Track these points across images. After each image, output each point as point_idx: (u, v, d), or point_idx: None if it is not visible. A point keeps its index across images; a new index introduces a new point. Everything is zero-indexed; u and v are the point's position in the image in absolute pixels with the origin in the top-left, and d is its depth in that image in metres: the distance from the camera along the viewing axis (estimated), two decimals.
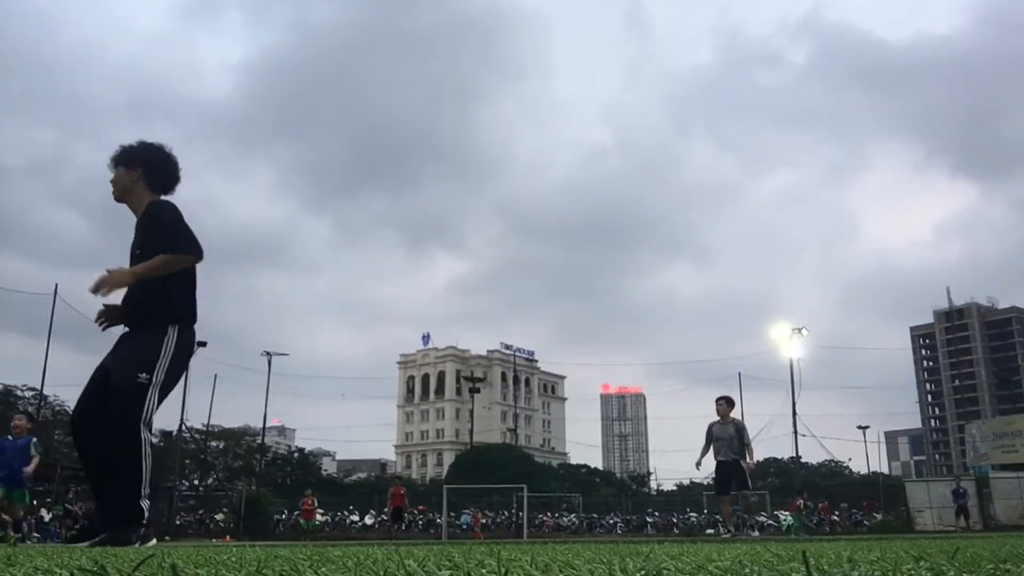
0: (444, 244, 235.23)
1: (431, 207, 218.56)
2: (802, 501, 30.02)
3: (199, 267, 4.32)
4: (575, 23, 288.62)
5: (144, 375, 3.96)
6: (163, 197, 4.44)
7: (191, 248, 4.21)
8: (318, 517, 38.20)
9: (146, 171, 4.42)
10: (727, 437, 11.20)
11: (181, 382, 4.37)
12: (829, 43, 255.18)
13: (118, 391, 3.94)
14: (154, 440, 4.08)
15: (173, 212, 4.30)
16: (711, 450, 11.33)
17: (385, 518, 29.34)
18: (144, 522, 3.88)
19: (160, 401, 4.04)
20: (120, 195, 4.47)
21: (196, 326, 4.33)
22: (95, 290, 4.04)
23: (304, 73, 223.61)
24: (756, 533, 12.68)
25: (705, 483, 57.55)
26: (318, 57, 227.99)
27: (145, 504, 3.89)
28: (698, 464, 11.56)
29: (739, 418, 11.71)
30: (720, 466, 11.27)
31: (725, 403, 11.59)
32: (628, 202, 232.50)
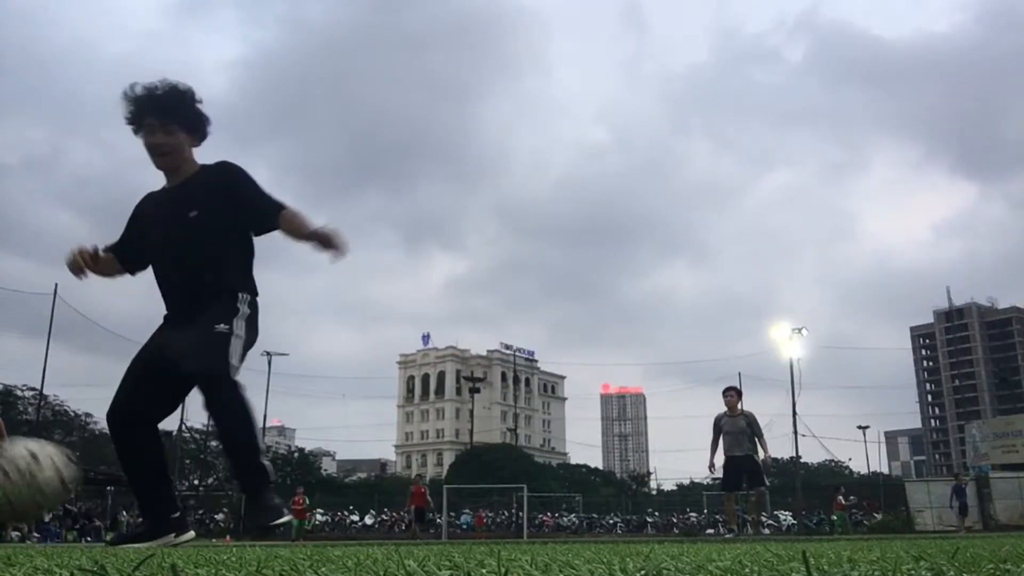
0: (442, 243, 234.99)
1: (428, 206, 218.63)
2: (841, 499, 29.81)
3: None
4: (572, 21, 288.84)
5: (223, 325, 3.49)
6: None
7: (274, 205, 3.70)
8: (318, 517, 38.28)
9: (198, 131, 3.78)
10: (737, 431, 10.37)
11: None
12: (826, 41, 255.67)
13: (195, 347, 3.44)
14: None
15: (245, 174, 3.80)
16: (721, 446, 10.42)
17: (406, 517, 27.97)
18: (271, 482, 3.50)
19: (241, 361, 3.54)
20: (174, 163, 3.76)
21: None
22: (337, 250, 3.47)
23: (299, 70, 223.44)
24: (767, 531, 12.21)
25: (706, 483, 57.58)
26: (313, 54, 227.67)
27: (267, 462, 3.48)
28: (711, 466, 10.59)
29: (749, 410, 10.78)
30: (730, 461, 10.33)
31: (735, 394, 10.80)
32: (626, 201, 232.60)
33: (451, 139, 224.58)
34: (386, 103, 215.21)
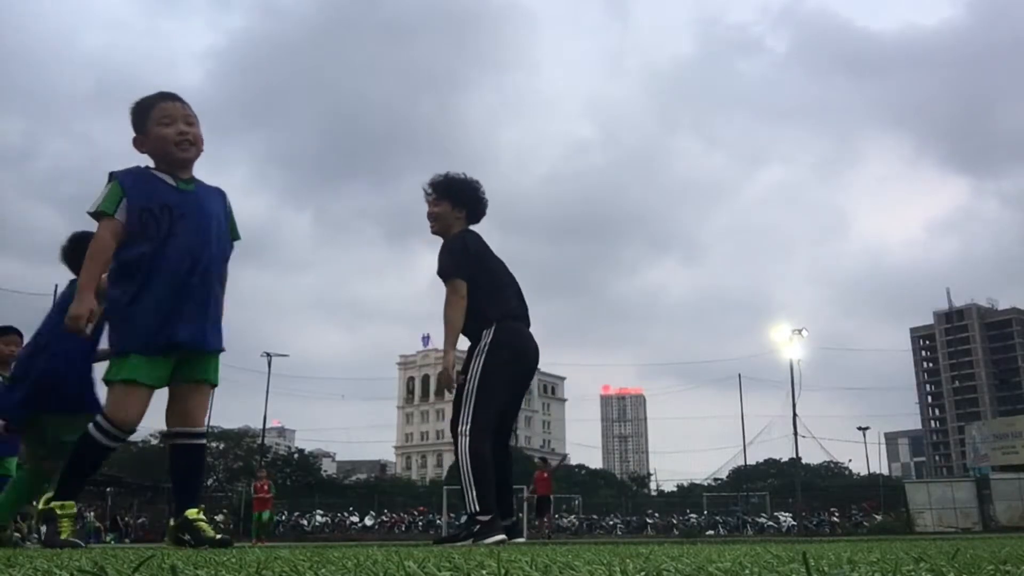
0: (427, 240, 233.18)
1: (412, 201, 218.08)
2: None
3: None
4: (557, 15, 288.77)
5: (463, 376, 4.33)
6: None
7: (442, 272, 4.41)
8: (318, 518, 38.26)
9: (470, 210, 4.59)
10: None
11: None
12: (811, 31, 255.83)
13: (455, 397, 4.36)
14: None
15: (451, 241, 4.50)
16: None
17: (528, 506, 20.88)
18: (478, 519, 4.03)
19: (487, 396, 4.24)
20: (440, 229, 4.60)
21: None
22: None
23: (279, 60, 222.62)
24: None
25: (705, 484, 57.56)
26: (294, 43, 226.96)
27: (470, 498, 4.04)
28: None
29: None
30: None
31: None
32: (614, 197, 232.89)
33: (435, 132, 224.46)
34: (368, 93, 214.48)
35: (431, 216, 4.61)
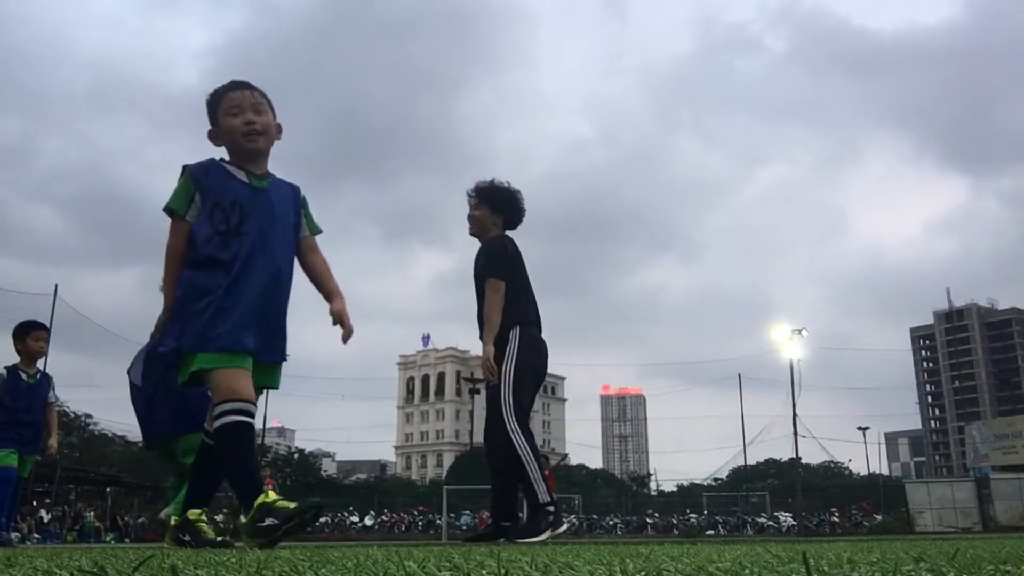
0: (425, 239, 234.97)
1: (410, 200, 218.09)
2: None
3: None
4: (556, 13, 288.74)
5: (495, 380, 4.53)
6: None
7: (484, 273, 4.71)
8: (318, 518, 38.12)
9: (507, 217, 4.89)
10: None
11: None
12: (809, 29, 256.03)
13: (488, 400, 4.58)
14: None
15: (493, 244, 4.81)
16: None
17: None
18: (550, 509, 4.33)
19: (519, 395, 4.51)
20: (478, 232, 4.92)
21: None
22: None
23: (275, 58, 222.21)
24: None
25: (705, 484, 57.52)
26: (291, 41, 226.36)
27: (541, 491, 4.35)
28: None
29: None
30: None
31: None
32: (613, 196, 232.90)
33: (433, 131, 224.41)
34: (366, 92, 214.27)
35: (471, 218, 4.90)
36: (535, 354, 4.66)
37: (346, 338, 3.37)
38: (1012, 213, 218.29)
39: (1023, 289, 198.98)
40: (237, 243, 3.11)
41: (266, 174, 3.33)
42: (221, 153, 3.33)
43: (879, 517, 35.90)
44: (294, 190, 3.44)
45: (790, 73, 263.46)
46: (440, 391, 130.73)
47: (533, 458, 4.40)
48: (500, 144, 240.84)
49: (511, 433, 4.42)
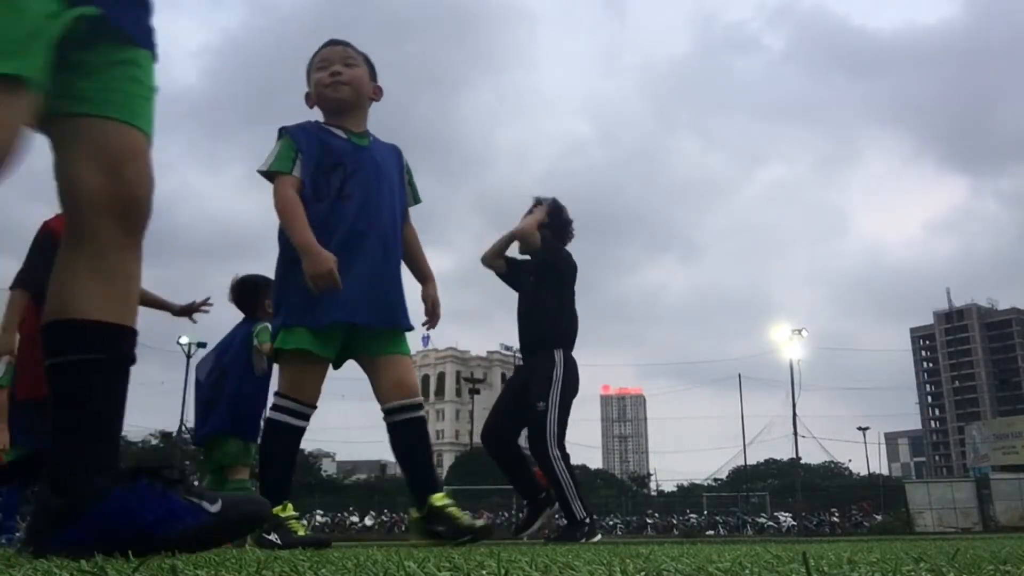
0: (424, 239, 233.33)
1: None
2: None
3: None
4: (556, 13, 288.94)
5: (542, 404, 4.61)
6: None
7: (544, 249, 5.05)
8: (317, 518, 38.24)
9: (555, 231, 5.16)
10: None
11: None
12: (807, 29, 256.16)
13: (531, 421, 4.67)
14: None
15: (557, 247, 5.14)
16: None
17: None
18: (586, 523, 4.68)
19: (563, 418, 4.68)
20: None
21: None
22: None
23: (272, 57, 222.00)
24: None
25: (705, 484, 57.52)
26: (286, 40, 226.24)
27: (576, 507, 4.69)
28: None
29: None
30: None
31: None
32: (613, 196, 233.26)
33: (432, 131, 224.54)
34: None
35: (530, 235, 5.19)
36: (577, 382, 4.86)
37: (433, 326, 3.31)
38: (1012, 213, 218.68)
39: (1023, 289, 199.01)
40: (340, 208, 2.92)
41: (366, 132, 3.15)
42: (317, 116, 3.19)
43: (879, 517, 35.91)
44: (397, 152, 3.26)
45: (789, 73, 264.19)
46: (440, 391, 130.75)
47: (570, 478, 4.66)
48: (500, 144, 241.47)
49: (552, 460, 4.62)
